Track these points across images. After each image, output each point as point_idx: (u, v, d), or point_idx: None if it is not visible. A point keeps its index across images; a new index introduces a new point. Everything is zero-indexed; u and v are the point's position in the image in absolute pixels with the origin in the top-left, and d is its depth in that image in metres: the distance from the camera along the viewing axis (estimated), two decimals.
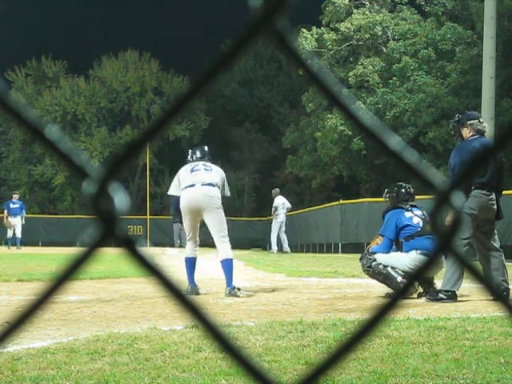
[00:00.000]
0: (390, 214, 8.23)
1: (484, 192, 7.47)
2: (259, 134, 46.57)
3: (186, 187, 8.30)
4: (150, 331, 4.98)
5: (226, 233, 8.20)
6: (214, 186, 8.24)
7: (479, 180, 7.37)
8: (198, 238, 8.39)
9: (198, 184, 8.22)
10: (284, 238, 26.40)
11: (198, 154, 8.67)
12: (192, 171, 8.39)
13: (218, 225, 8.16)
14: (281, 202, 26.31)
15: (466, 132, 7.65)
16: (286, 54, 0.62)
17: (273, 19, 0.60)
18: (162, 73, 47.48)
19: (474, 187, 7.39)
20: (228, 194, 8.57)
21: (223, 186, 8.45)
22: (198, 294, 8.08)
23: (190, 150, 8.96)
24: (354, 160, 33.50)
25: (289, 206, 26.59)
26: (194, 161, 8.60)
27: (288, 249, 26.36)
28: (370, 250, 8.24)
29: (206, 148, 8.85)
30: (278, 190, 27.45)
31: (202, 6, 71.19)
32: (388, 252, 8.07)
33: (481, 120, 7.79)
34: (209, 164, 8.55)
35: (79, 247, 0.68)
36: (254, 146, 46.04)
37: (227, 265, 8.08)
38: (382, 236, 8.18)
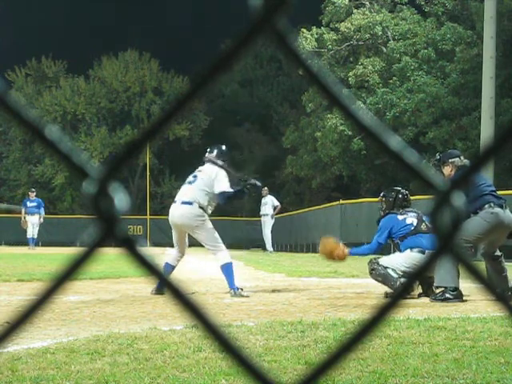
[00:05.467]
0: (384, 221, 8.32)
1: (492, 210, 7.35)
2: (259, 134, 46.57)
3: (174, 202, 8.40)
4: (150, 331, 4.98)
5: (219, 241, 8.12)
6: (191, 203, 8.11)
7: (485, 197, 7.26)
8: (184, 251, 8.32)
9: (179, 201, 8.23)
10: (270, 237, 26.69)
11: (205, 156, 8.54)
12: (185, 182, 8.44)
13: (207, 239, 8.13)
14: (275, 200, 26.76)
15: (448, 170, 7.55)
16: (285, 54, 0.62)
17: (273, 19, 0.60)
18: (162, 73, 47.49)
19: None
20: (218, 190, 8.07)
21: (213, 184, 8.12)
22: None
23: None
24: (353, 160, 33.49)
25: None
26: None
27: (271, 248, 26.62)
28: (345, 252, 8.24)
29: (210, 149, 8.57)
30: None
31: (203, 7, 71.20)
32: (368, 253, 8.27)
33: (462, 158, 7.70)
34: (204, 168, 8.35)
35: (79, 247, 0.68)
36: (254, 146, 46.04)
37: (226, 269, 8.06)
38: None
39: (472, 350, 4.24)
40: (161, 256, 18.62)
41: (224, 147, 8.64)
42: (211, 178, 8.15)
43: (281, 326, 5.23)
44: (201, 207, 8.12)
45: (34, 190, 28.81)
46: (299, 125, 36.94)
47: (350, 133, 30.56)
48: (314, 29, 33.77)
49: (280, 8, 0.60)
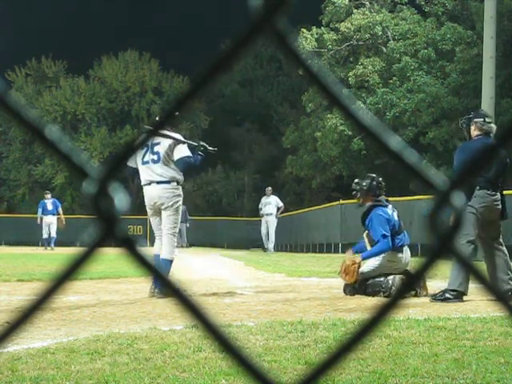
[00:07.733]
0: (374, 214, 8.07)
1: (488, 192, 7.42)
2: (259, 134, 46.57)
3: (143, 184, 8.22)
4: (150, 331, 4.98)
5: (176, 231, 8.08)
6: (169, 182, 8.01)
7: (484, 179, 7.32)
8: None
9: (154, 183, 8.06)
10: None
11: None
12: (143, 162, 8.09)
13: (172, 220, 8.04)
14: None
15: (473, 130, 7.62)
16: (285, 54, 0.62)
17: (273, 19, 0.60)
18: (162, 73, 47.49)
19: (478, 187, 7.35)
20: (178, 156, 7.88)
21: (173, 154, 7.90)
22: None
23: None
24: (353, 160, 33.49)
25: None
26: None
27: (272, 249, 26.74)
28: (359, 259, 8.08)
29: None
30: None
31: (202, 6, 71.18)
32: (380, 251, 7.94)
33: (487, 120, 7.71)
34: (156, 141, 7.94)
35: (79, 247, 0.68)
36: (254, 146, 46.05)
37: (165, 264, 7.85)
38: (376, 241, 8.01)
39: (472, 350, 4.24)
40: None
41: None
42: (171, 149, 7.95)
43: (281, 325, 5.23)
44: (179, 183, 8.07)
45: (48, 191, 29.48)
46: (299, 125, 36.94)
47: (350, 133, 30.56)
48: (314, 29, 33.77)
49: (280, 8, 0.60)
